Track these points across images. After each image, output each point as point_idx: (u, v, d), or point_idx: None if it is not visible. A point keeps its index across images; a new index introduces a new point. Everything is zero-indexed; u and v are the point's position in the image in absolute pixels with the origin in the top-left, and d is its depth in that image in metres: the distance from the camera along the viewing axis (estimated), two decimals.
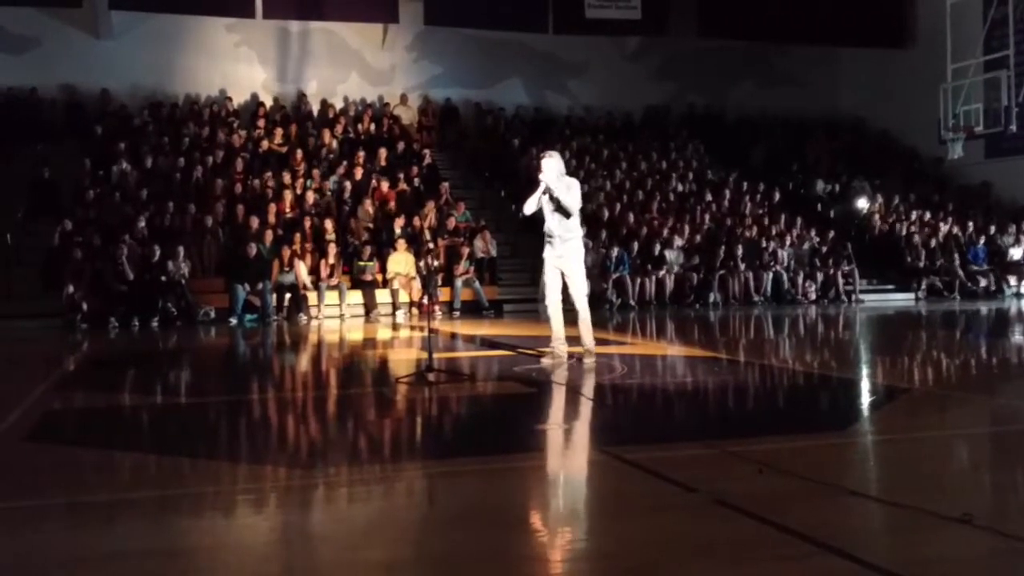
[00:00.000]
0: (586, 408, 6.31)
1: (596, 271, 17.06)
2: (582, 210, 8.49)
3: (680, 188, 20.62)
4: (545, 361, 8.08)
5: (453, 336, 12.19)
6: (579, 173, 19.90)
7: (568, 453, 4.84)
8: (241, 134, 19.55)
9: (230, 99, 20.94)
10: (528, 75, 23.31)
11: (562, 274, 8.10)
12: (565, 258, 8.03)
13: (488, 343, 10.72)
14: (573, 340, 8.17)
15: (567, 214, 7.93)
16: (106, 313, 14.19)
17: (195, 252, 15.65)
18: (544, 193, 7.92)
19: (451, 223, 17.29)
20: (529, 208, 8.11)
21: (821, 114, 24.56)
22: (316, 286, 15.67)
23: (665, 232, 18.20)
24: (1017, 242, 19.75)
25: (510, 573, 2.99)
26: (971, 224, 20.37)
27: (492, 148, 21.17)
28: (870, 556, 2.94)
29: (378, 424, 5.96)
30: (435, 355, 7.54)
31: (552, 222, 8.00)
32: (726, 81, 24.14)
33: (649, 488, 3.99)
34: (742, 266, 17.83)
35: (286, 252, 15.60)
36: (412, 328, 13.78)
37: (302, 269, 15.55)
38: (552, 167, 7.95)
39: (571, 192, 7.93)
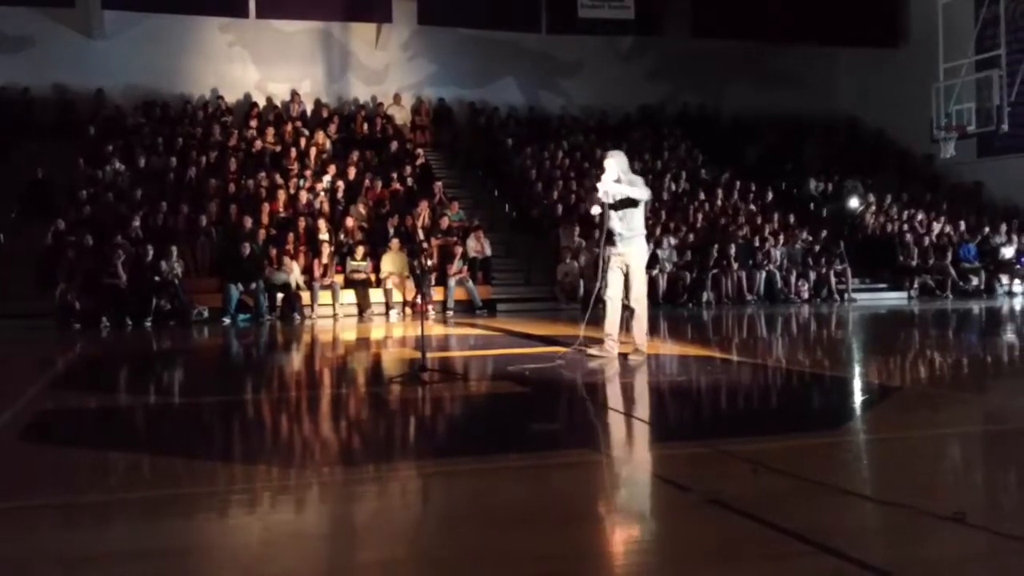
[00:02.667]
0: (579, 407, 6.32)
1: (590, 270, 17.07)
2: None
3: (674, 187, 20.64)
4: (593, 352, 8.24)
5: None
6: (572, 173, 19.95)
7: (561, 453, 4.84)
8: (234, 134, 19.53)
9: (221, 99, 20.91)
10: (522, 75, 23.32)
11: (625, 273, 8.21)
12: (627, 256, 8.16)
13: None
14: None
15: (634, 204, 8.08)
16: (99, 313, 14.16)
17: (188, 252, 15.62)
18: (605, 193, 8.08)
19: (444, 223, 17.30)
20: (596, 209, 8.25)
21: (815, 114, 24.60)
22: (310, 286, 15.66)
23: (658, 231, 18.21)
24: (1009, 241, 19.81)
25: (504, 573, 2.99)
26: (963, 223, 20.44)
27: (486, 148, 21.18)
28: (863, 555, 2.95)
29: (372, 424, 5.97)
30: (440, 354, 7.53)
31: (615, 221, 8.12)
32: (720, 81, 24.16)
33: (643, 487, 4.00)
34: (735, 265, 17.85)
35: (279, 252, 15.61)
36: (405, 327, 13.77)
37: (295, 269, 15.55)
38: (613, 166, 8.13)
39: (636, 188, 8.10)
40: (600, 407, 6.27)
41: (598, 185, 8.16)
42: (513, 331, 12.04)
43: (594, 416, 6.03)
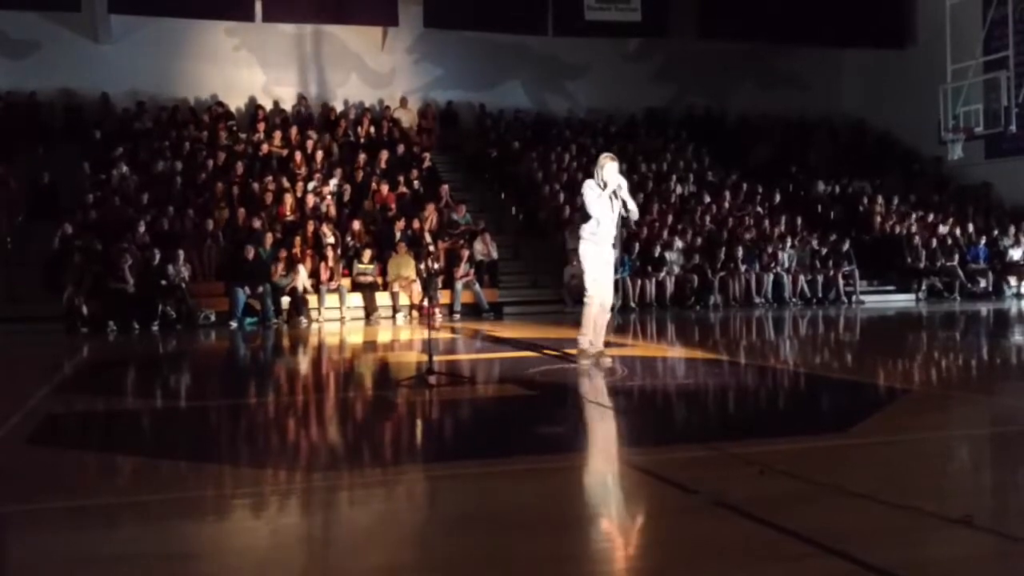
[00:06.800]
0: (587, 411, 6.31)
1: None
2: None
3: (680, 190, 20.61)
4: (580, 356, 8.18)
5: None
6: (579, 175, 19.94)
7: (568, 456, 4.84)
8: (241, 138, 19.56)
9: (220, 104, 20.88)
10: (528, 77, 23.32)
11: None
12: (577, 259, 8.37)
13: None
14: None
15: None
16: (106, 317, 14.19)
17: (195, 256, 15.65)
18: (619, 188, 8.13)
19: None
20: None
21: (821, 115, 24.56)
22: (316, 289, 15.68)
23: (665, 234, 18.20)
24: (1017, 243, 19.74)
25: None
26: (971, 225, 20.38)
27: (492, 150, 21.16)
28: (870, 557, 2.94)
29: (379, 427, 5.97)
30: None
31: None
32: (726, 82, 24.13)
33: (650, 490, 3.99)
34: (742, 268, 17.83)
35: (286, 255, 15.63)
36: (412, 331, 13.78)
37: (302, 272, 15.56)
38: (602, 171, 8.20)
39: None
40: (606, 410, 6.26)
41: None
42: (522, 334, 12.04)
43: (601, 419, 6.02)
